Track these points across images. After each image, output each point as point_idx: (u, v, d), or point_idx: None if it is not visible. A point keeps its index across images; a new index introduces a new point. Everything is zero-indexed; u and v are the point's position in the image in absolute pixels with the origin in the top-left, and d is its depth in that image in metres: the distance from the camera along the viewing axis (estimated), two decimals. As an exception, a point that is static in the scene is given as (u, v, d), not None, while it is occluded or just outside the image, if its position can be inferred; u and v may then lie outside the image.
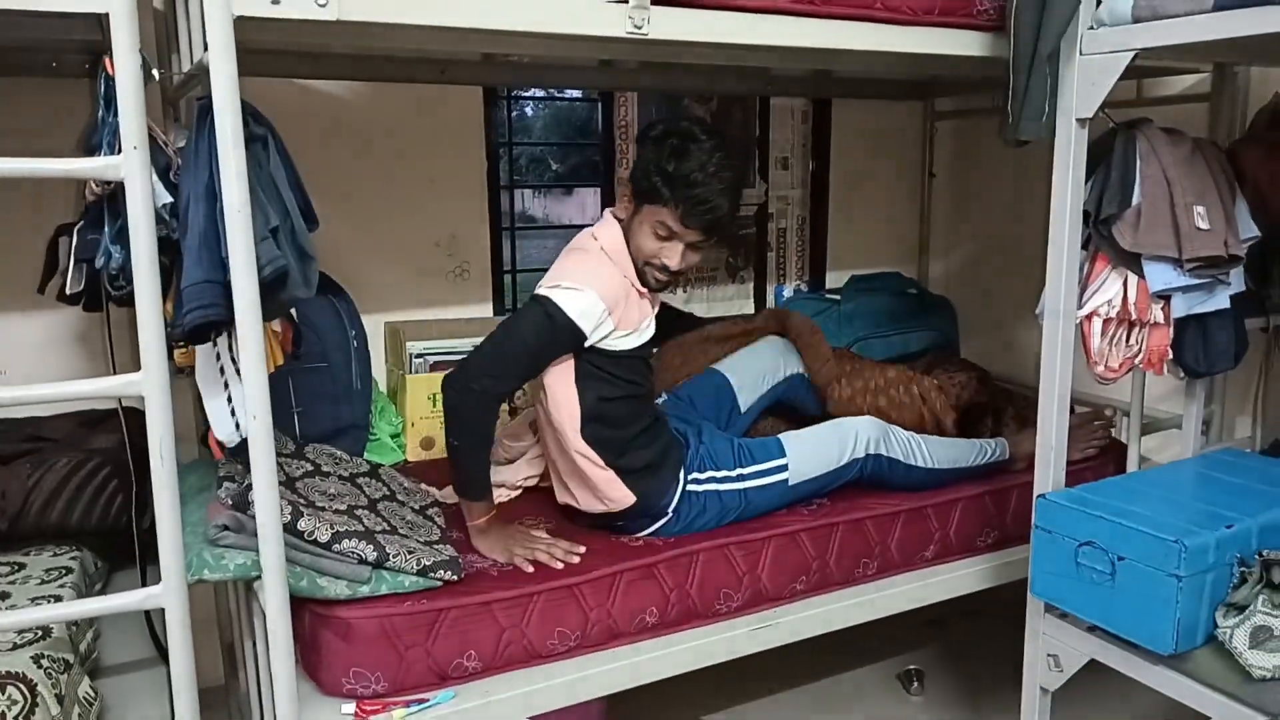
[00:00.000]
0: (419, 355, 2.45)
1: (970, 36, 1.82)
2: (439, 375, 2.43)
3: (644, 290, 1.94)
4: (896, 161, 3.29)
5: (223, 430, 1.53)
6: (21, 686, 1.32)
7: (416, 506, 1.89)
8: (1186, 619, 1.58)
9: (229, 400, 1.53)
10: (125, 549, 1.86)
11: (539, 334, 1.81)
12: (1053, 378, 1.79)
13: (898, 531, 2.07)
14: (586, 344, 1.84)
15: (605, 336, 1.85)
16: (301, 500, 1.64)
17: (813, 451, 2.05)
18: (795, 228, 3.21)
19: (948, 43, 1.82)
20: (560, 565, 1.78)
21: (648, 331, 1.94)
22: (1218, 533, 1.60)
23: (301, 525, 1.53)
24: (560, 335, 1.81)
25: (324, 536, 1.54)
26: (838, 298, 2.94)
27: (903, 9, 1.77)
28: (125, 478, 1.83)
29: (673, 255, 1.87)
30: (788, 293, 3.15)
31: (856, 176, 3.23)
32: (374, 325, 2.47)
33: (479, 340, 2.51)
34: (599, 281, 1.83)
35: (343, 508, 1.68)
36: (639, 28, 1.57)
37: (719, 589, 1.87)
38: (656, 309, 2.01)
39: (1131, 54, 1.63)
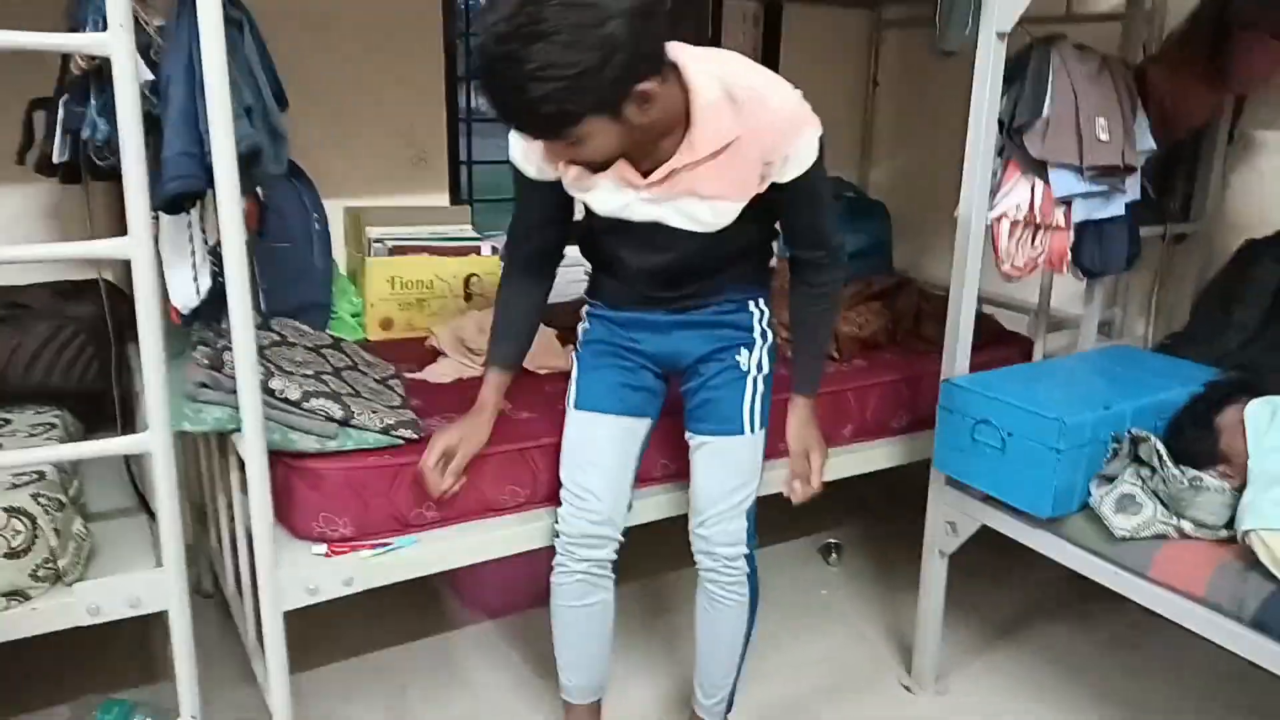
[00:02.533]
0: (378, 240, 2.55)
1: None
2: (398, 259, 2.56)
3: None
4: (843, 69, 3.39)
5: (180, 296, 1.66)
6: (24, 519, 1.45)
7: (378, 377, 2.03)
8: (1063, 487, 1.79)
9: (193, 266, 1.67)
10: (100, 414, 1.99)
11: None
12: (962, 273, 1.94)
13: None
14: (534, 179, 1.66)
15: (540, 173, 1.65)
16: (271, 365, 1.77)
17: None
18: (743, 131, 3.31)
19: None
20: (435, 493, 1.73)
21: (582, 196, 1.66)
22: (1096, 413, 1.81)
23: (273, 385, 1.67)
24: (516, 173, 1.69)
25: (294, 395, 1.68)
26: (779, 200, 3.06)
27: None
28: (101, 344, 1.94)
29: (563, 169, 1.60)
30: (733, 193, 3.27)
31: (804, 82, 3.27)
32: (334, 210, 2.56)
33: (437, 228, 2.63)
34: None
35: (309, 373, 1.82)
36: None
37: (658, 460, 2.01)
38: (629, 190, 1.61)
39: (1049, -28, 1.76)
